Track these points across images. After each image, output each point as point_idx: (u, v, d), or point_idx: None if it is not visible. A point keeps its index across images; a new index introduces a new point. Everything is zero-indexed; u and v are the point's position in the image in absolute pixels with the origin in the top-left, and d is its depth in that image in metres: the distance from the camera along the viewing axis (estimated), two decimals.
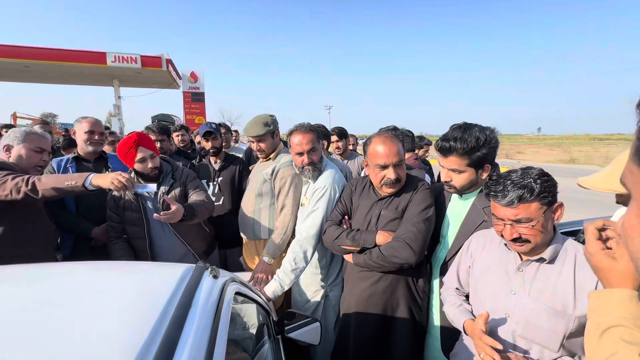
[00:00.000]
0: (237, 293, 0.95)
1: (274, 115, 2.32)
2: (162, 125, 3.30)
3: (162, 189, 2.10)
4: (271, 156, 2.31)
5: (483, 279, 1.28)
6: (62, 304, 0.69)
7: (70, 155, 2.39)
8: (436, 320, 1.62)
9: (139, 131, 2.18)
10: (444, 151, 1.47)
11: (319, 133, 2.08)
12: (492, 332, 1.15)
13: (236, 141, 5.85)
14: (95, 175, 1.72)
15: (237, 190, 2.70)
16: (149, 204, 2.10)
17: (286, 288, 1.89)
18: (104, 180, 1.70)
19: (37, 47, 13.05)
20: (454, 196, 1.63)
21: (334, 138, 3.47)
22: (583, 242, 1.30)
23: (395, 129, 1.71)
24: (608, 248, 0.70)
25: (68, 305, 0.68)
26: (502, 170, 1.50)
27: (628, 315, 0.60)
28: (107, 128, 3.62)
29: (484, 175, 1.49)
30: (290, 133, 2.04)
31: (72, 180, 1.69)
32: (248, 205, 2.33)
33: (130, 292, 0.75)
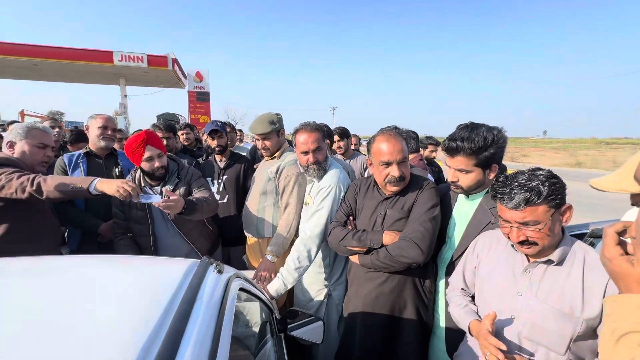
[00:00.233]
0: (241, 289, 0.95)
1: (279, 114, 2.32)
2: (169, 123, 3.36)
3: (167, 187, 2.10)
4: (276, 155, 2.31)
5: (489, 280, 1.27)
6: (68, 296, 0.69)
7: (82, 151, 2.42)
8: (441, 321, 1.61)
9: (147, 129, 2.19)
10: (451, 151, 1.46)
11: (324, 132, 2.08)
12: (497, 333, 1.14)
13: (241, 140, 5.87)
14: (100, 181, 1.72)
15: (241, 188, 2.71)
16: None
17: (289, 286, 1.89)
18: (109, 186, 1.69)
19: (46, 46, 13.21)
20: (461, 196, 1.61)
21: (335, 138, 3.50)
22: (591, 245, 1.28)
23: (395, 128, 1.70)
24: (627, 253, 0.68)
25: (73, 298, 0.68)
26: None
27: None
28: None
29: (492, 176, 1.47)
30: (296, 132, 2.04)
31: (77, 183, 1.69)
32: (252, 203, 2.33)
33: (135, 286, 0.75)
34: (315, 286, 2.12)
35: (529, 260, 1.18)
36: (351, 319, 1.74)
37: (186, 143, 3.84)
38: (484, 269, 1.31)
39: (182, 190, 2.12)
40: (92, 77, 15.83)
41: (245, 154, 3.69)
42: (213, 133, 2.68)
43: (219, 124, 2.77)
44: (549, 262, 1.13)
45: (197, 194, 2.11)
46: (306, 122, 2.04)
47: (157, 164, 2.03)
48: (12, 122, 4.61)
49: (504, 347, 1.03)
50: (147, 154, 1.99)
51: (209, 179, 2.68)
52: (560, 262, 1.12)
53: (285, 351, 1.30)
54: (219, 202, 2.54)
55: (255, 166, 2.78)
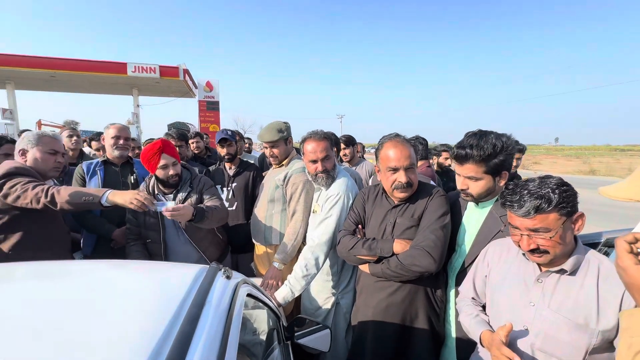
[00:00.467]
0: (249, 295, 0.96)
1: (287, 123, 2.36)
2: (181, 132, 3.47)
3: (179, 196, 2.14)
4: (284, 162, 2.33)
5: (500, 289, 1.24)
6: (81, 299, 0.71)
7: (100, 159, 2.51)
8: (452, 332, 1.58)
9: (163, 138, 2.24)
10: (460, 159, 1.45)
11: (332, 141, 2.09)
12: (510, 345, 1.11)
13: (249, 150, 5.91)
14: (112, 192, 1.75)
15: (250, 196, 2.74)
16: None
17: (297, 294, 1.88)
18: (122, 197, 1.72)
19: (63, 58, 13.69)
20: (470, 204, 1.60)
21: (341, 146, 3.56)
22: (605, 255, 1.25)
23: (397, 135, 1.71)
24: None
25: (86, 301, 0.70)
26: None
27: None
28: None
29: (502, 183, 1.46)
30: (304, 140, 2.05)
31: (89, 196, 1.73)
32: (260, 211, 2.35)
33: (146, 290, 0.77)
34: (323, 294, 2.11)
35: (540, 270, 1.15)
36: (361, 329, 1.71)
37: (196, 151, 3.94)
38: (494, 278, 1.29)
39: (193, 198, 2.16)
40: (107, 87, 16.30)
41: (253, 161, 3.75)
42: (223, 141, 2.72)
43: (229, 132, 2.82)
44: (562, 271, 1.10)
45: (208, 202, 2.14)
46: (314, 131, 2.06)
47: (171, 172, 2.08)
48: (24, 131, 4.78)
49: (517, 359, 1.01)
50: (162, 162, 2.04)
51: (218, 187, 2.71)
52: (573, 272, 1.09)
53: (292, 359, 1.30)
54: (228, 209, 2.57)
55: (263, 174, 2.81)
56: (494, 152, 1.38)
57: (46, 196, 1.65)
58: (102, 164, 2.49)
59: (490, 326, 1.24)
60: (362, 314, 1.72)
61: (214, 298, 0.71)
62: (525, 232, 1.08)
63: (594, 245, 1.91)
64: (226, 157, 2.78)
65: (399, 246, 1.56)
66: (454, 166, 1.54)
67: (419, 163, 3.00)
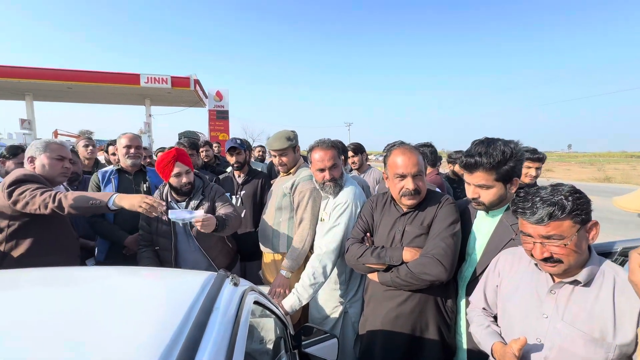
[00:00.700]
0: (256, 303, 0.97)
1: (294, 131, 2.39)
2: (193, 140, 3.57)
3: (192, 203, 2.18)
4: (291, 170, 2.35)
5: (512, 300, 1.21)
6: (92, 304, 0.73)
7: (114, 167, 2.59)
8: (463, 343, 1.54)
9: (177, 147, 2.29)
10: (470, 167, 1.43)
11: (339, 149, 2.10)
12: (522, 358, 1.07)
13: (262, 158, 5.97)
14: (119, 196, 1.77)
15: (258, 203, 2.76)
16: None
17: (304, 302, 1.87)
18: (129, 201, 1.74)
19: (79, 70, 14.19)
20: (480, 212, 1.57)
21: (350, 154, 3.58)
22: (621, 265, 1.21)
23: (402, 143, 1.71)
24: None
25: (98, 306, 0.72)
26: None
27: None
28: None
29: (513, 190, 1.44)
30: (312, 149, 2.07)
31: (96, 200, 1.75)
32: (268, 218, 2.36)
33: (155, 296, 0.78)
34: (331, 303, 2.09)
35: (553, 280, 1.12)
36: (369, 339, 1.69)
37: (206, 160, 4.02)
38: (506, 289, 1.26)
39: (206, 206, 2.19)
40: (120, 98, 16.80)
41: (261, 169, 3.81)
42: (232, 150, 2.78)
43: (238, 141, 2.88)
44: (575, 282, 1.06)
45: (221, 209, 2.17)
46: (321, 140, 2.07)
47: (184, 180, 2.12)
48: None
49: None
50: (176, 170, 2.08)
51: (227, 194, 2.75)
52: (587, 283, 1.06)
53: None
54: None
55: (272, 182, 2.84)
56: (504, 159, 1.37)
57: (54, 201, 1.68)
58: (117, 172, 2.56)
59: (502, 338, 1.21)
60: (371, 323, 1.69)
61: (222, 305, 0.72)
62: (538, 240, 1.05)
63: (608, 255, 1.85)
64: (235, 165, 2.82)
65: (408, 254, 1.54)
66: (464, 175, 1.53)
67: (428, 171, 2.98)
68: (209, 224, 1.83)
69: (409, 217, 1.65)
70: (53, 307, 0.71)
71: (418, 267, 1.47)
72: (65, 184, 2.68)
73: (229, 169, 3.29)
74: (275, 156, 2.32)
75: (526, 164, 2.48)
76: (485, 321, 1.30)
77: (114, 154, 3.04)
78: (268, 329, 1.46)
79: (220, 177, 3.09)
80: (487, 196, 1.44)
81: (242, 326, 0.69)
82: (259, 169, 3.17)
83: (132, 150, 2.56)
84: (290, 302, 1.86)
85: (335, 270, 2.04)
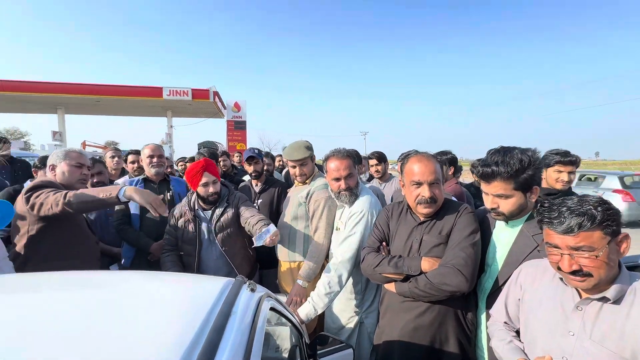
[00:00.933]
0: (272, 309, 0.98)
1: (308, 141, 2.43)
2: (212, 151, 3.71)
3: (217, 211, 2.26)
4: (307, 180, 2.37)
5: (535, 315, 1.16)
6: (117, 306, 0.77)
7: (141, 177, 2.73)
8: (484, 357, 1.49)
9: (207, 158, 2.39)
10: (487, 177, 1.41)
11: (354, 158, 2.11)
12: None
13: (283, 168, 6.02)
14: (129, 188, 1.84)
15: (275, 212, 2.80)
16: (204, 226, 2.25)
17: (320, 311, 1.87)
18: (141, 196, 1.80)
19: (107, 85, 15.00)
20: (499, 222, 1.53)
21: (373, 162, 3.60)
22: None
23: (416, 152, 1.69)
24: None
25: (123, 308, 0.75)
26: None
27: None
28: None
29: (533, 199, 1.40)
30: (327, 158, 2.08)
31: (107, 192, 1.81)
32: (284, 227, 2.39)
33: (176, 299, 0.81)
34: (346, 313, 2.07)
35: (580, 296, 1.06)
36: (386, 350, 1.65)
37: (224, 169, 4.15)
38: (529, 303, 1.21)
39: (229, 213, 2.26)
40: (144, 110, 17.57)
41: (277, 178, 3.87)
42: (250, 159, 2.86)
43: (256, 151, 2.96)
44: (604, 299, 1.01)
45: (245, 212, 2.23)
46: (337, 149, 2.08)
47: (211, 190, 2.20)
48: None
49: None
50: (203, 180, 2.17)
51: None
52: (617, 301, 1.00)
53: None
54: None
55: (288, 190, 2.88)
56: (522, 167, 1.34)
57: (64, 198, 1.73)
58: (143, 181, 2.69)
59: (525, 354, 1.16)
60: (388, 334, 1.66)
61: (239, 309, 0.74)
62: (566, 251, 1.01)
63: (635, 269, 1.75)
64: (253, 174, 2.90)
65: (427, 264, 1.50)
66: (481, 185, 1.50)
67: (451, 181, 2.91)
68: (278, 236, 1.91)
69: (426, 226, 1.62)
70: (81, 308, 0.75)
71: (437, 277, 1.44)
72: None
73: (246, 178, 3.37)
74: (294, 166, 2.33)
75: (556, 167, 2.29)
76: (507, 336, 1.25)
77: (132, 162, 3.18)
78: (284, 337, 1.47)
79: (239, 185, 3.16)
80: (506, 206, 1.41)
81: (258, 331, 0.71)
82: (278, 178, 3.23)
83: (154, 160, 2.69)
84: (306, 310, 1.86)
85: (351, 280, 2.03)
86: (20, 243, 1.82)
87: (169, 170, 3.67)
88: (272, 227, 1.89)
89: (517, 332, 1.28)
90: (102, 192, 1.81)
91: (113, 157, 3.64)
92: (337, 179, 2.00)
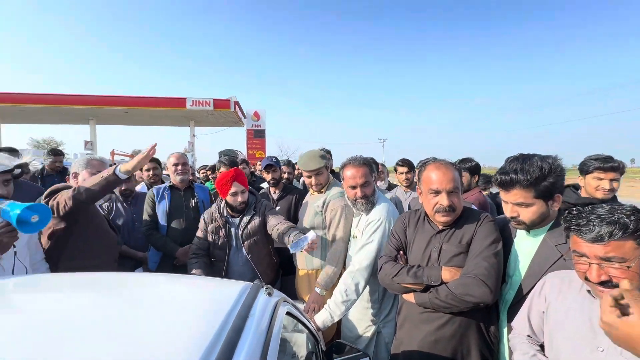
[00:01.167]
0: (288, 314, 1.01)
1: (324, 148, 2.46)
2: (232, 159, 3.86)
3: (245, 219, 2.32)
4: (322, 189, 2.38)
5: (561, 329, 1.12)
6: (144, 306, 0.81)
7: (168, 184, 2.86)
8: None
9: (237, 168, 2.48)
10: (506, 185, 1.38)
11: (371, 166, 2.11)
12: None
13: (300, 177, 6.07)
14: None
15: (292, 219, 2.83)
16: (233, 231, 2.32)
17: (336, 319, 1.86)
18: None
19: (134, 96, 15.78)
20: (520, 232, 1.49)
21: (403, 169, 3.54)
22: None
23: (435, 159, 1.67)
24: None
25: (148, 308, 0.80)
26: None
27: None
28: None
29: (555, 207, 1.36)
30: (344, 166, 2.09)
31: (104, 174, 1.90)
32: None
33: (199, 301, 0.86)
34: (363, 322, 2.05)
35: None
36: None
37: None
38: (553, 316, 1.16)
39: (257, 221, 2.32)
40: (168, 120, 18.30)
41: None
42: (268, 167, 2.93)
43: (273, 159, 3.04)
44: None
45: (272, 220, 2.29)
46: (354, 157, 2.09)
47: (239, 199, 2.27)
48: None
49: None
50: (233, 189, 2.24)
51: None
52: None
53: None
54: None
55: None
56: (542, 175, 1.30)
57: (74, 191, 1.83)
58: (169, 188, 2.82)
59: None
60: (407, 346, 1.61)
61: (257, 311, 0.77)
62: (594, 261, 0.97)
63: None
64: (271, 182, 2.97)
65: (448, 274, 1.47)
66: (500, 193, 1.47)
67: (474, 189, 2.84)
68: (317, 242, 1.94)
69: (445, 235, 1.58)
70: (110, 307, 0.80)
71: (460, 287, 1.40)
72: (121, 198, 2.98)
73: (264, 185, 3.44)
74: (310, 176, 2.34)
75: (596, 174, 2.13)
76: (530, 350, 1.21)
77: (148, 170, 3.31)
78: (300, 344, 1.48)
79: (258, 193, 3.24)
80: (527, 214, 1.37)
81: (274, 333, 0.74)
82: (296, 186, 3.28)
83: (179, 168, 2.82)
84: (323, 317, 1.86)
85: (368, 289, 2.02)
86: (48, 245, 1.94)
87: (190, 178, 3.82)
88: (310, 234, 1.90)
89: (541, 346, 1.23)
90: (98, 177, 1.90)
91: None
92: (354, 187, 2.00)
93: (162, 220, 2.72)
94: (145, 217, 2.74)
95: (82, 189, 1.85)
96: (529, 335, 1.26)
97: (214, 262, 2.33)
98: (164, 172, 3.89)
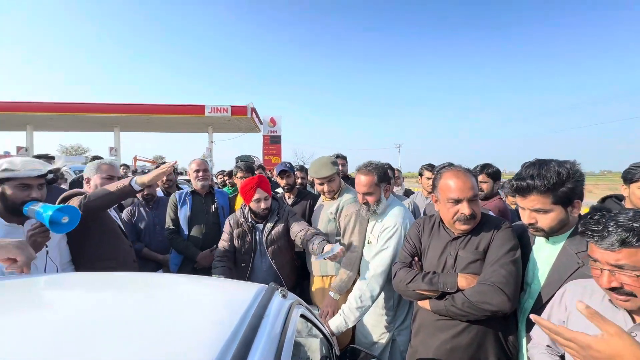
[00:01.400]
0: (302, 316, 1.03)
1: (333, 155, 2.48)
2: (249, 164, 3.92)
3: (268, 225, 2.35)
4: (335, 195, 2.39)
5: None
6: (164, 305, 0.85)
7: (189, 189, 2.95)
8: None
9: (261, 174, 2.53)
10: (522, 191, 1.35)
11: (382, 175, 2.06)
12: None
13: (312, 184, 6.05)
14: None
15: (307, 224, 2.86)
16: (258, 236, 2.36)
17: (350, 325, 1.86)
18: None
19: (156, 104, 16.38)
20: (539, 239, 1.45)
21: (428, 174, 3.46)
22: None
23: (450, 164, 1.64)
24: None
25: (168, 306, 0.84)
26: None
27: None
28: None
29: (575, 213, 1.32)
30: (357, 170, 2.12)
31: (119, 184, 1.94)
32: None
33: (216, 301, 0.90)
34: (378, 329, 2.04)
35: (634, 321, 0.98)
36: None
37: None
38: (574, 326, 1.12)
39: (280, 227, 2.35)
40: (187, 126, 18.88)
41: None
42: (282, 173, 2.98)
43: (287, 165, 3.08)
44: None
45: (295, 226, 2.31)
46: (367, 163, 2.08)
47: (262, 206, 2.31)
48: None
49: None
50: (256, 196, 2.28)
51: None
52: None
53: None
54: None
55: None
56: (560, 180, 1.27)
57: (85, 198, 1.87)
58: (191, 193, 2.91)
59: None
60: (422, 354, 1.59)
61: (272, 312, 0.80)
62: (606, 267, 0.95)
63: None
64: (286, 187, 3.01)
65: (464, 281, 1.44)
66: (517, 199, 1.44)
67: (494, 197, 2.79)
68: (342, 253, 1.93)
69: (461, 242, 1.55)
70: (130, 306, 0.85)
71: (477, 295, 1.37)
72: (143, 202, 3.10)
73: (279, 190, 3.48)
74: (322, 184, 2.35)
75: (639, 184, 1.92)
76: None
77: None
78: (314, 349, 1.48)
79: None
80: (545, 221, 1.34)
81: (289, 334, 0.76)
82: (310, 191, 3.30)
83: (200, 174, 2.91)
84: (337, 323, 1.86)
85: (383, 295, 2.00)
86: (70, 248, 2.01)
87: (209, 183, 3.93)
88: (336, 247, 1.87)
89: (562, 357, 1.19)
90: (114, 186, 1.95)
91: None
92: (360, 193, 2.03)
93: (183, 224, 2.81)
94: (168, 221, 2.84)
95: (93, 196, 1.89)
96: (548, 346, 1.23)
97: (238, 266, 2.36)
98: (180, 177, 4.02)
